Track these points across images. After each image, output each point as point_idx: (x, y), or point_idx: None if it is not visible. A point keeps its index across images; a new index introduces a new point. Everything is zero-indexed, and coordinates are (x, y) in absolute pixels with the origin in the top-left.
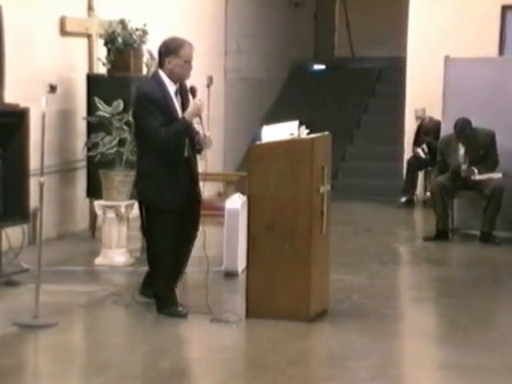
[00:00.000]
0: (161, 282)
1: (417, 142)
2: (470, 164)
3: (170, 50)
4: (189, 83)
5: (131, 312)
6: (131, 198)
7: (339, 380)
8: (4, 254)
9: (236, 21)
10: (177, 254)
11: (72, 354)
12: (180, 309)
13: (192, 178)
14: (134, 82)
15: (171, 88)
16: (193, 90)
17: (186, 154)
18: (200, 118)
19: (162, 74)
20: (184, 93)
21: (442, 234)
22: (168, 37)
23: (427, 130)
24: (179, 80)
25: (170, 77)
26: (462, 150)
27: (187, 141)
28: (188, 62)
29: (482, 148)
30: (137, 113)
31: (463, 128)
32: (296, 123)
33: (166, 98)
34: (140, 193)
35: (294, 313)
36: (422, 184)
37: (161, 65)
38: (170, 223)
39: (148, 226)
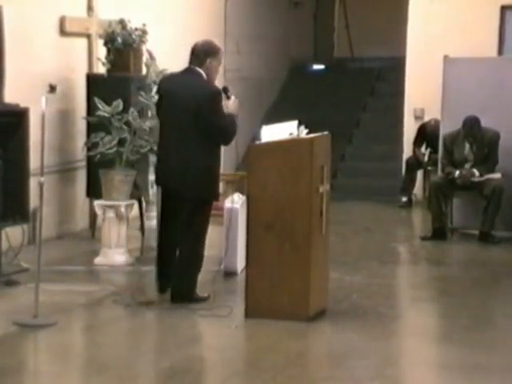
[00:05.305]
0: (195, 277)
1: (417, 143)
2: (474, 163)
3: (213, 51)
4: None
5: (131, 311)
6: (131, 197)
7: (338, 379)
8: (4, 253)
9: (236, 21)
10: None
11: (72, 354)
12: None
13: None
14: (133, 81)
15: None
16: (226, 90)
17: None
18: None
19: (203, 73)
20: None
21: (438, 234)
22: (204, 39)
23: (431, 132)
24: (209, 81)
25: (206, 76)
26: (467, 148)
27: None
28: (219, 66)
29: (487, 147)
30: (209, 109)
31: (472, 127)
32: (295, 123)
33: None
34: (200, 190)
35: (293, 312)
36: (421, 183)
37: (200, 64)
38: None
39: (198, 221)
